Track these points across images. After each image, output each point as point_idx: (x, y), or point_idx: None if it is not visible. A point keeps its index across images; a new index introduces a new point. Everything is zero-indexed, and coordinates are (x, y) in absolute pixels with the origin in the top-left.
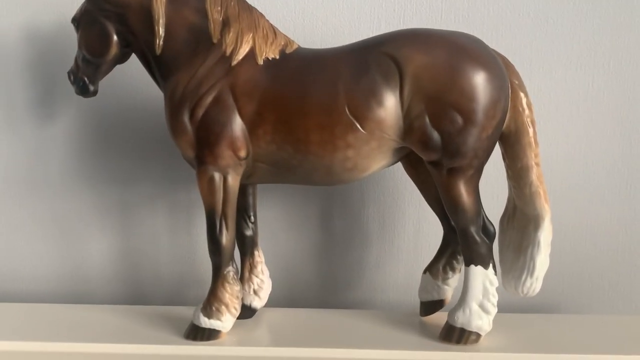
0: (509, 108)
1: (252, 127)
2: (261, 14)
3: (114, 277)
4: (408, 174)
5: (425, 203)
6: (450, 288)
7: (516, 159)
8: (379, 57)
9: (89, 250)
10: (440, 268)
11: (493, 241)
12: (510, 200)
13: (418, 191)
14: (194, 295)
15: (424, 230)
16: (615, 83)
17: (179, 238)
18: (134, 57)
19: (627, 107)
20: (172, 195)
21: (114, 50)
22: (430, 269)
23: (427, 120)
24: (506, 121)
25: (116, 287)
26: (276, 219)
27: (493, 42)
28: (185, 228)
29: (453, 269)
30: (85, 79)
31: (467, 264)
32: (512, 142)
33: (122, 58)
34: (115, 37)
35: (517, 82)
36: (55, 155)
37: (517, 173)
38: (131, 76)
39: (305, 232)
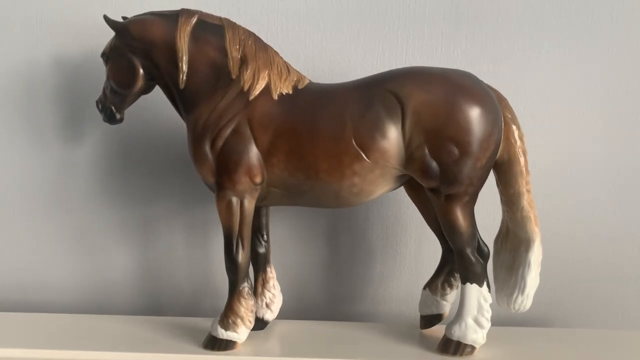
0: (502, 139)
1: (267, 156)
2: (276, 52)
3: (134, 288)
4: (409, 196)
5: (426, 223)
6: (448, 303)
7: (508, 185)
8: (383, 93)
9: (111, 263)
10: (439, 285)
11: (487, 261)
12: (503, 222)
13: (419, 212)
14: (209, 306)
15: (425, 248)
16: (611, 109)
17: (195, 253)
18: (157, 88)
19: (621, 123)
20: (189, 213)
21: (140, 83)
22: (430, 285)
23: (427, 151)
24: (500, 151)
25: (136, 298)
26: (286, 236)
27: (490, 77)
28: (201, 243)
29: (451, 286)
30: (113, 108)
31: (463, 282)
32: (504, 170)
33: (147, 90)
34: (141, 71)
35: (509, 115)
36: (81, 175)
37: (510, 198)
38: (154, 105)
39: (313, 249)
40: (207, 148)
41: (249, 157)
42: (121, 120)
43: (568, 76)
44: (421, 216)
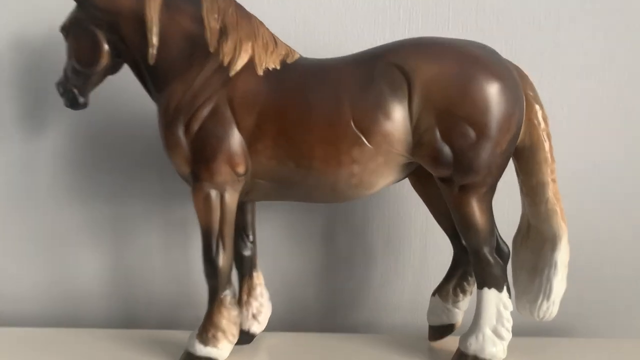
0: (524, 121)
1: (251, 142)
2: (261, 22)
3: (105, 298)
4: (415, 189)
5: (433, 221)
6: (460, 311)
7: (531, 174)
8: (386, 67)
9: (79, 270)
10: (450, 290)
11: (507, 262)
12: (524, 218)
13: (425, 205)
14: (189, 317)
15: (432, 246)
16: (631, 91)
17: (174, 257)
18: (127, 67)
19: None
20: (167, 212)
21: (104, 60)
22: (440, 291)
23: (438, 134)
24: (521, 135)
25: (107, 309)
26: (275, 236)
27: (503, 51)
28: (181, 246)
29: (464, 291)
30: (75, 90)
31: (480, 287)
32: (526, 156)
33: (113, 68)
34: (106, 47)
35: (532, 93)
36: (44, 169)
37: (532, 190)
38: (124, 87)
39: (305, 250)
40: (181, 132)
41: (229, 143)
42: (85, 104)
43: (588, 52)
44: (428, 212)
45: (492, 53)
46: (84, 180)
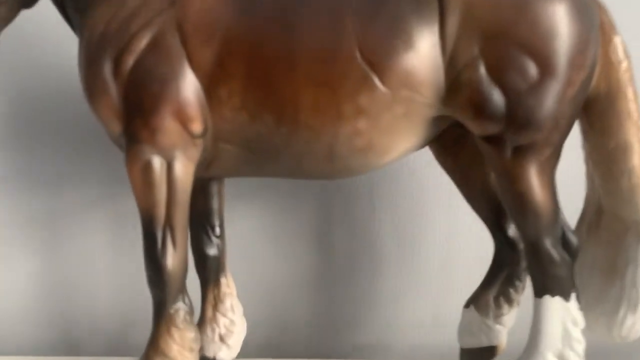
0: (599, 57)
1: (211, 85)
2: None
3: (36, 316)
4: (440, 161)
5: (460, 208)
6: (505, 329)
7: (607, 134)
8: None
9: (4, 279)
10: (491, 300)
11: (576, 259)
12: (591, 200)
13: (448, 192)
14: (142, 340)
15: (459, 246)
16: None
17: (123, 261)
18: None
19: None
20: (115, 203)
21: None
22: (476, 301)
23: (484, 70)
24: (594, 78)
25: (39, 330)
26: (252, 231)
27: None
28: (130, 248)
29: (510, 301)
30: None
31: (539, 294)
32: (601, 109)
33: None
34: None
35: (606, 19)
36: None
37: (609, 156)
38: (62, 46)
39: (293, 251)
40: (108, 72)
41: (178, 87)
42: None
43: None
44: (454, 198)
45: None
46: (12, 169)
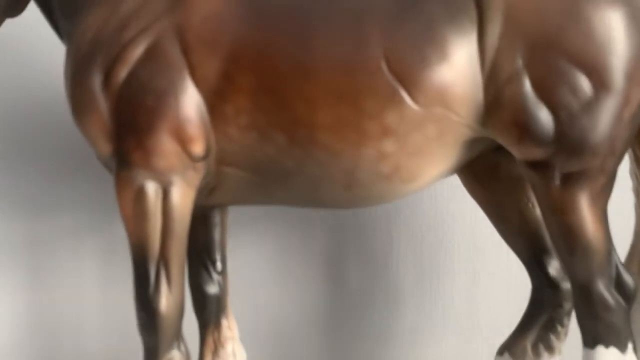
0: None
1: (215, 101)
2: None
3: (17, 353)
4: (470, 191)
5: (486, 240)
6: None
7: None
8: None
9: None
10: (529, 347)
11: (632, 304)
12: None
13: (473, 223)
14: None
15: (485, 281)
16: None
17: (114, 297)
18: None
19: None
20: (106, 230)
21: None
22: (512, 347)
23: (529, 85)
24: None
25: None
26: (256, 263)
27: None
28: (124, 280)
29: (550, 349)
30: None
31: (591, 345)
32: None
33: (11, 4)
34: None
35: None
36: None
37: None
38: (53, 63)
39: (301, 286)
40: (97, 84)
41: (177, 103)
42: None
43: None
44: (478, 229)
45: None
46: None
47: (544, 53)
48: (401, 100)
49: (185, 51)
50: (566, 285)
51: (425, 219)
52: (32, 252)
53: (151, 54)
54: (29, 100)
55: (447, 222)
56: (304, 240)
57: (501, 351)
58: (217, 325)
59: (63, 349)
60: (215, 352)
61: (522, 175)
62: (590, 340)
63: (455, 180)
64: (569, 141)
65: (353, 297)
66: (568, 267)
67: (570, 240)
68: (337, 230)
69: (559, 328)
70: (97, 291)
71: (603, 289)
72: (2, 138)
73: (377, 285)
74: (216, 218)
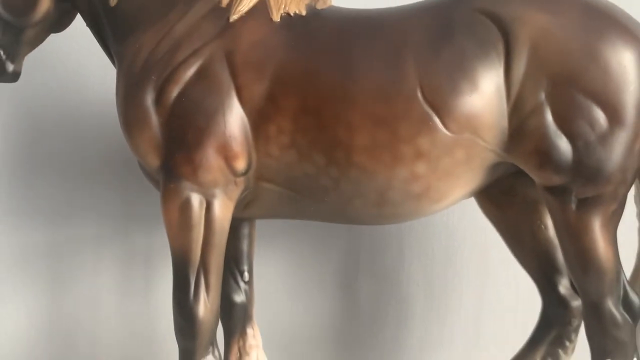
0: None
1: (259, 121)
2: None
3: (36, 355)
4: (485, 211)
5: (494, 258)
6: None
7: None
8: (472, 15)
9: (2, 317)
10: None
11: (638, 321)
12: None
13: (482, 241)
14: None
15: (492, 302)
16: None
17: (132, 303)
18: (78, 28)
19: None
20: (124, 239)
21: (45, 4)
22: None
23: (550, 117)
24: None
25: None
26: (273, 277)
27: None
28: (141, 288)
29: None
30: (1, 52)
31: (599, 358)
32: None
33: (58, 20)
34: None
35: None
36: None
37: None
38: (77, 71)
39: (315, 300)
40: (149, 102)
41: (225, 122)
42: (15, 75)
43: None
44: (486, 249)
45: (620, 8)
46: (13, 195)
47: (565, 89)
48: (434, 126)
49: (233, 73)
50: (575, 303)
51: (435, 238)
52: (52, 260)
53: (202, 75)
54: (52, 114)
55: (457, 242)
56: (320, 257)
57: None
58: (243, 334)
59: (79, 353)
60: (240, 359)
61: (536, 198)
62: (599, 355)
63: (465, 201)
64: (585, 169)
65: (365, 312)
66: (580, 286)
67: (584, 261)
68: (351, 248)
69: (567, 343)
70: (114, 298)
71: (612, 306)
72: (25, 152)
73: (388, 300)
74: (245, 230)
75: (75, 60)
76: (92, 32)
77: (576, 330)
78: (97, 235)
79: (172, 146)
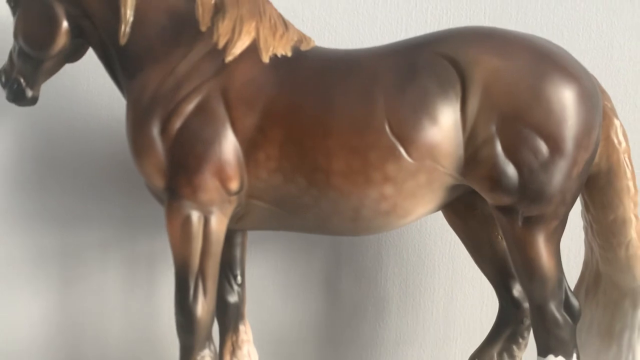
0: (601, 139)
1: (250, 149)
2: (267, 0)
3: (46, 354)
4: (450, 223)
5: (461, 262)
6: None
7: (607, 208)
8: (433, 58)
9: (14, 316)
10: (495, 356)
11: (578, 322)
12: (590, 264)
13: (451, 247)
14: None
15: (459, 300)
16: None
17: (136, 303)
18: (90, 55)
19: None
20: (129, 244)
21: (62, 40)
22: (481, 356)
23: (500, 147)
24: (595, 157)
25: None
26: (263, 280)
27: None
28: (144, 289)
29: (513, 357)
30: (22, 80)
31: (543, 354)
32: (601, 185)
33: (73, 53)
34: (65, 23)
35: (609, 105)
36: None
37: (608, 228)
38: (85, 81)
39: (301, 299)
40: (156, 132)
41: (220, 149)
42: (34, 100)
43: None
44: (455, 253)
45: (566, 51)
46: (23, 202)
47: (512, 123)
48: (399, 155)
49: (228, 108)
50: (526, 304)
51: (410, 243)
52: (62, 263)
53: (201, 109)
54: (63, 126)
55: (429, 246)
56: (305, 261)
57: (472, 359)
58: (235, 330)
59: (88, 348)
60: (233, 352)
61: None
62: (543, 351)
63: (436, 213)
64: (530, 192)
65: (346, 309)
66: (527, 291)
67: (529, 270)
68: (333, 253)
69: (520, 340)
70: (119, 297)
71: (554, 309)
72: (37, 163)
73: (368, 299)
74: (238, 239)
75: (84, 75)
76: (103, 65)
77: (528, 329)
78: (104, 240)
79: (175, 170)
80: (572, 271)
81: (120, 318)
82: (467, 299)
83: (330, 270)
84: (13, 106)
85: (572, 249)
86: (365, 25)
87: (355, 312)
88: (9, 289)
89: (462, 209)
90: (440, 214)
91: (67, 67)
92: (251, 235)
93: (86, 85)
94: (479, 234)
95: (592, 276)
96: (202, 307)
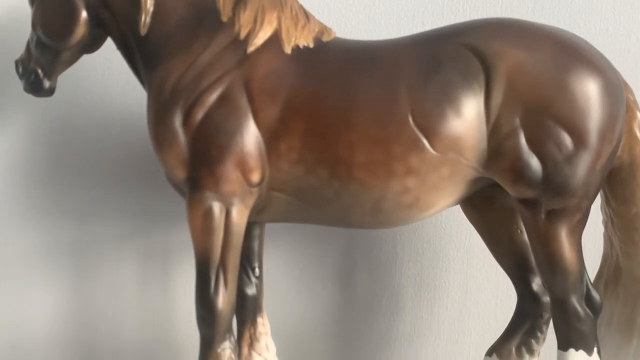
0: (624, 132)
1: (272, 140)
2: None
3: (60, 347)
4: (468, 217)
5: (477, 257)
6: None
7: (629, 202)
8: (457, 50)
9: (31, 309)
10: (513, 350)
11: (599, 316)
12: (609, 258)
13: (466, 241)
14: None
15: (474, 294)
16: None
17: (151, 295)
18: (108, 45)
19: None
20: (145, 237)
21: (80, 30)
22: (498, 350)
23: (524, 140)
24: (618, 151)
25: None
26: (278, 272)
27: None
28: (159, 282)
29: (531, 352)
30: (39, 70)
31: (564, 348)
32: (623, 178)
33: (91, 44)
34: (84, 13)
35: (632, 97)
36: None
37: (630, 222)
38: (103, 72)
39: (316, 292)
40: (178, 123)
41: (242, 140)
42: (51, 90)
43: None
44: (470, 246)
45: (589, 43)
46: (40, 194)
47: (537, 115)
48: (423, 147)
49: (250, 99)
50: (545, 298)
51: (425, 237)
52: (78, 256)
53: (223, 100)
54: (78, 123)
55: (444, 240)
56: (321, 255)
57: (490, 352)
58: (253, 322)
59: (103, 340)
60: (251, 345)
61: (513, 205)
62: (564, 344)
63: (452, 207)
64: (553, 185)
65: (360, 303)
66: (548, 284)
67: (551, 263)
68: (349, 247)
69: (539, 334)
70: (135, 291)
71: (576, 303)
72: (54, 158)
73: (382, 293)
74: (256, 231)
75: (100, 70)
76: (123, 56)
77: (547, 323)
78: (119, 233)
79: (197, 161)
80: (588, 266)
81: (135, 311)
82: (481, 294)
83: (345, 263)
84: (29, 97)
85: (586, 244)
86: (381, 17)
87: (370, 306)
88: (24, 283)
89: (481, 202)
90: (455, 208)
91: (85, 67)
92: (268, 229)
93: (101, 86)
94: (498, 227)
95: (611, 270)
96: (223, 299)
